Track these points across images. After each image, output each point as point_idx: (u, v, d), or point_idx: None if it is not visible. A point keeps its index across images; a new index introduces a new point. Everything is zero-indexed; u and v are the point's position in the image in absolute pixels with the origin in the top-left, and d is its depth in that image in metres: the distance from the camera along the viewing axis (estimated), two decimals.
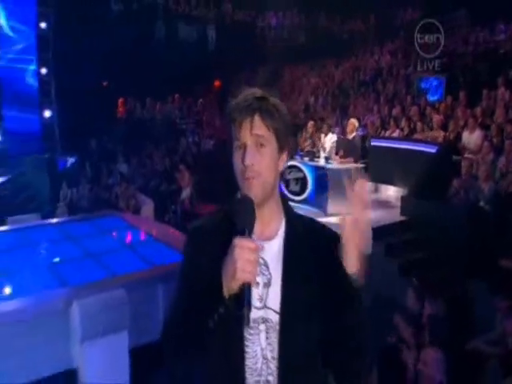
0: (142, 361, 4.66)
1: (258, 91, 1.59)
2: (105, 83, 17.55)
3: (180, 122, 15.95)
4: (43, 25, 14.32)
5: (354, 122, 8.58)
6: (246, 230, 1.40)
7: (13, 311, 4.69)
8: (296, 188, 8.00)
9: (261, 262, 1.50)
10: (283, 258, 1.56)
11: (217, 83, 19.43)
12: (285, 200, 1.72)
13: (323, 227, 1.73)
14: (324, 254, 1.58)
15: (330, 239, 1.62)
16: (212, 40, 20.06)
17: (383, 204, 8.00)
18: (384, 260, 6.08)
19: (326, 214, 7.22)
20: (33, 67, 14.56)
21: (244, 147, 1.51)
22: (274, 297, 1.52)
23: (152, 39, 18.52)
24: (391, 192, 8.44)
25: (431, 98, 10.79)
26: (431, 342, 3.41)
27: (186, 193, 10.50)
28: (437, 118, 8.71)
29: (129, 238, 6.89)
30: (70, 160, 14.28)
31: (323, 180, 7.48)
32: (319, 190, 7.58)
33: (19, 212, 9.33)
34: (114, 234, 7.20)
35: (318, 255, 1.58)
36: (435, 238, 5.97)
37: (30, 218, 8.43)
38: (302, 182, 7.87)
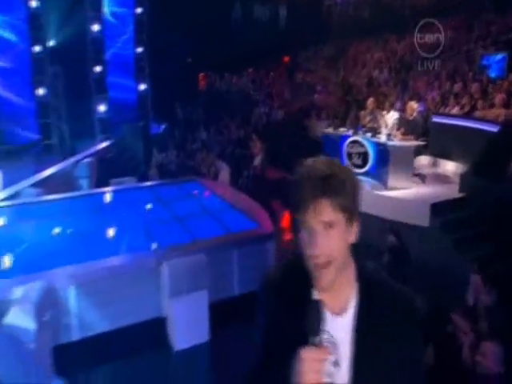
0: (219, 313, 4.71)
1: (322, 166, 1.21)
2: (189, 60, 17.48)
3: (253, 93, 15.66)
4: (139, 10, 14.36)
5: (412, 105, 7.86)
6: (314, 338, 1.16)
7: (116, 266, 4.88)
8: (358, 161, 7.55)
9: (329, 340, 1.25)
10: (354, 339, 1.25)
11: (286, 58, 18.77)
12: (359, 264, 1.32)
13: (404, 300, 1.31)
14: (400, 336, 1.26)
15: (409, 318, 1.29)
16: (283, 18, 19.27)
17: (442, 179, 7.36)
18: (440, 236, 5.67)
19: (386, 188, 6.80)
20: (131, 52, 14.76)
21: (311, 231, 1.20)
22: (343, 377, 1.24)
23: (230, 19, 18.08)
24: (450, 167, 7.77)
25: (493, 74, 9.72)
26: (490, 334, 3.10)
27: (257, 159, 10.36)
28: (499, 97, 7.82)
29: (209, 204, 6.88)
30: (161, 128, 14.55)
31: (384, 155, 6.98)
32: (380, 164, 7.10)
33: (120, 172, 9.63)
34: (197, 199, 7.23)
35: (393, 336, 1.25)
36: (493, 217, 5.46)
37: (128, 181, 8.64)
38: (364, 156, 7.42)
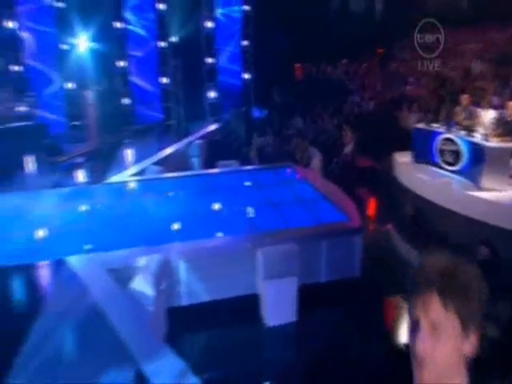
0: (306, 297, 4.58)
1: (445, 261, 0.98)
2: (288, 51, 16.91)
3: (346, 84, 14.76)
4: (247, 7, 14.18)
5: None
6: None
7: (218, 247, 4.95)
8: (450, 159, 6.72)
9: None
10: None
11: (380, 49, 17.30)
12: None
13: None
14: None
15: None
16: (378, 10, 17.68)
17: None
18: None
19: (479, 188, 5.97)
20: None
21: (417, 326, 0.98)
22: None
23: (327, 12, 17.04)
24: None
25: None
26: None
27: (347, 148, 9.82)
28: None
29: (301, 192, 6.66)
30: (261, 113, 14.47)
31: (479, 155, 6.09)
32: (474, 164, 6.21)
33: (225, 153, 9.76)
34: (290, 186, 7.04)
35: None
36: None
37: (231, 164, 8.70)
38: (457, 154, 6.58)
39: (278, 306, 4.49)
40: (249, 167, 8.54)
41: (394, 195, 7.67)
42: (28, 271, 4.91)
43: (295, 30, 15.01)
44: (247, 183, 7.15)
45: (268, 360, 4.25)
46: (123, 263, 4.66)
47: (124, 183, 7.58)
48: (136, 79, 13.10)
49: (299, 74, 16.34)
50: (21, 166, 8.81)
